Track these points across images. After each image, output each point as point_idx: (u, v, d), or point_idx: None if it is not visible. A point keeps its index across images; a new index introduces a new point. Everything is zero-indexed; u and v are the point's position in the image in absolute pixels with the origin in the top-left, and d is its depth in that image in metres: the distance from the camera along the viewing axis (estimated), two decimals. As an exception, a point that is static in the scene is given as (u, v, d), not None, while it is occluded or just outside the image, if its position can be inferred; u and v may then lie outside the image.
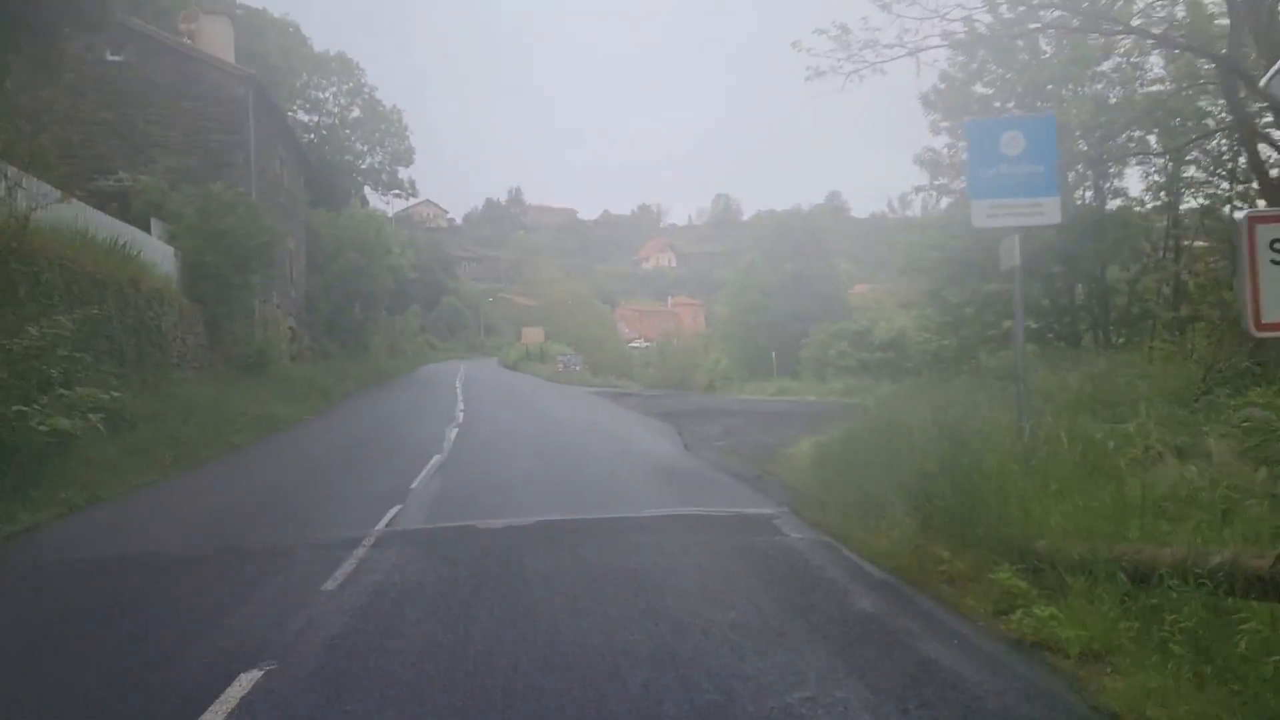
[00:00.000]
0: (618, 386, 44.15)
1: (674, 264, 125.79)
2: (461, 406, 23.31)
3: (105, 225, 18.93)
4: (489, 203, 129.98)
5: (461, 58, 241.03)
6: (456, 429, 17.48)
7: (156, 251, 21.02)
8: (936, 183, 27.98)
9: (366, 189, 61.84)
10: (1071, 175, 25.80)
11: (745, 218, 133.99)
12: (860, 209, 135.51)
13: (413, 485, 10.75)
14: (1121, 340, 24.56)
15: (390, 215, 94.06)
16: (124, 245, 18.33)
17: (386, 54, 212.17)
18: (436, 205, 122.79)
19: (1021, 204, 9.49)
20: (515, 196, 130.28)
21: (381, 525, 8.30)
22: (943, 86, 26.73)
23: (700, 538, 7.55)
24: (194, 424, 16.32)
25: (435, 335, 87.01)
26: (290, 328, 33.09)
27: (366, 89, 59.77)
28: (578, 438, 16.25)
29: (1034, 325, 27.09)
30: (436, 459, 13.37)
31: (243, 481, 11.99)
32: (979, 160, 9.62)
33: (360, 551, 7.18)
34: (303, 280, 35.43)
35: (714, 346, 70.21)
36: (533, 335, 56.06)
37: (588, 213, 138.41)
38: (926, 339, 43.07)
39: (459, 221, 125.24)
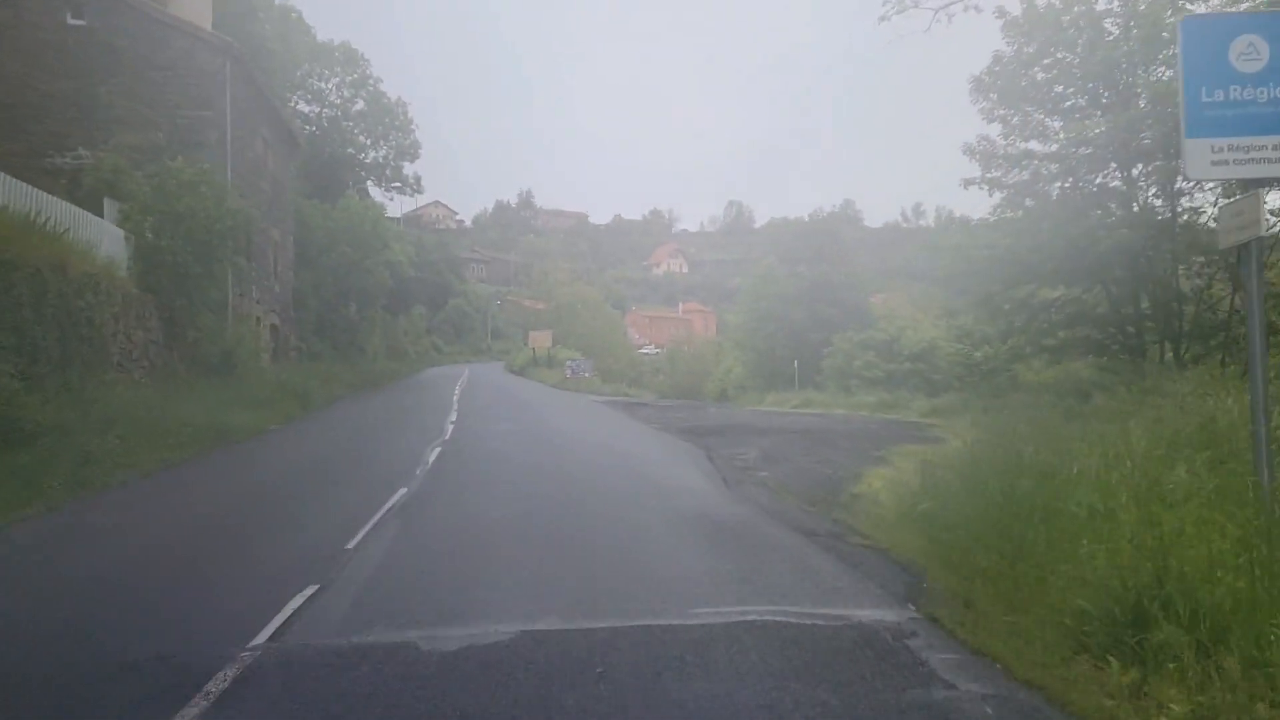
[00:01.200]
0: (629, 395, 40.83)
1: (685, 270, 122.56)
2: (453, 418, 20.00)
3: (37, 202, 15.76)
4: (499, 205, 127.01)
5: (475, 58, 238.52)
6: (439, 448, 14.15)
7: (99, 233, 17.77)
8: (989, 175, 24.60)
9: (370, 184, 58.98)
10: (1137, 170, 22.52)
11: (758, 225, 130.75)
12: (873, 218, 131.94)
13: (350, 544, 7.41)
14: (1188, 354, 21.23)
15: (398, 214, 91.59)
16: (46, 221, 15.08)
17: (397, 52, 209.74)
18: (446, 206, 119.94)
19: (1265, 144, 6.16)
20: (526, 199, 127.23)
21: (261, 638, 4.95)
22: (996, 69, 23.49)
23: (808, 691, 4.19)
24: (116, 436, 13.05)
25: (441, 338, 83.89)
26: (273, 325, 29.83)
27: (371, 81, 56.70)
28: (585, 465, 12.88)
29: (1096, 335, 23.77)
30: (400, 494, 10.04)
31: (111, 533, 8.47)
32: (1198, 78, 6.26)
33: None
34: (290, 275, 32.19)
35: (727, 354, 66.79)
36: (540, 339, 52.69)
37: (599, 217, 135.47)
38: (959, 350, 39.80)
39: (468, 224, 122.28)
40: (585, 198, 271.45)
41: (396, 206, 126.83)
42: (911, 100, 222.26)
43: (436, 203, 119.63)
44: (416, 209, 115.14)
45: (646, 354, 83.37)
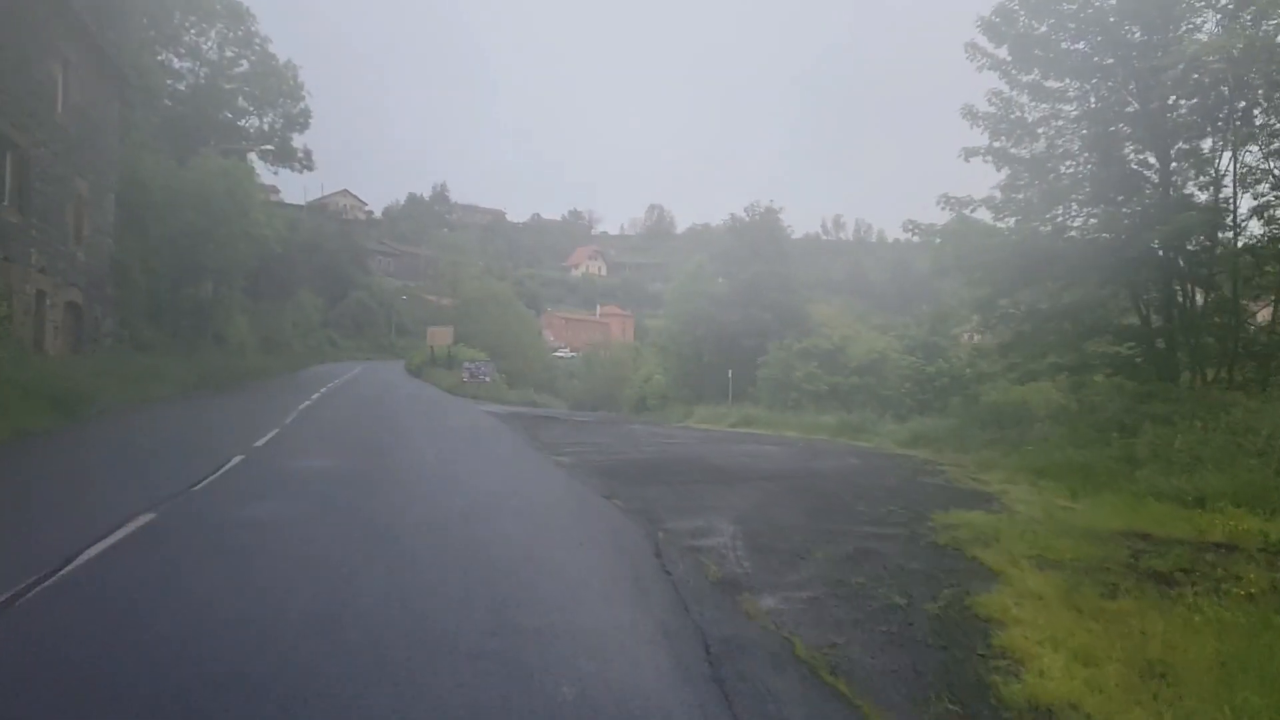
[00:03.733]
0: (536, 403, 34.24)
1: (604, 273, 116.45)
2: (259, 441, 13.19)
3: None
4: (411, 198, 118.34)
5: (394, 44, 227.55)
6: (127, 531, 7.48)
7: None
8: (996, 144, 19.08)
9: (253, 157, 50.88)
10: (1175, 151, 17.34)
11: (679, 230, 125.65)
12: (793, 230, 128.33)
13: None
14: (1241, 376, 16.15)
15: (299, 197, 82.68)
16: None
17: (310, 34, 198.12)
18: (354, 196, 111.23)
19: None
20: (440, 193, 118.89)
21: None
22: (1013, 7, 18.01)
23: None
24: None
25: (340, 332, 75.60)
26: (71, 304, 22.34)
27: (258, 41, 48.73)
28: (393, 615, 5.99)
29: (1121, 349, 18.49)
30: None
31: None
32: None
33: None
34: (106, 242, 24.61)
35: (646, 360, 60.74)
36: (439, 336, 45.54)
37: (517, 215, 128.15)
38: (911, 363, 34.61)
39: (378, 215, 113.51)
40: (503, 195, 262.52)
41: (294, 188, 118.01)
42: (836, 112, 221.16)
43: (345, 191, 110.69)
44: (322, 196, 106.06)
45: (562, 357, 76.87)
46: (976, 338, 40.53)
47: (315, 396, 23.99)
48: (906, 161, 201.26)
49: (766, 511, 9.05)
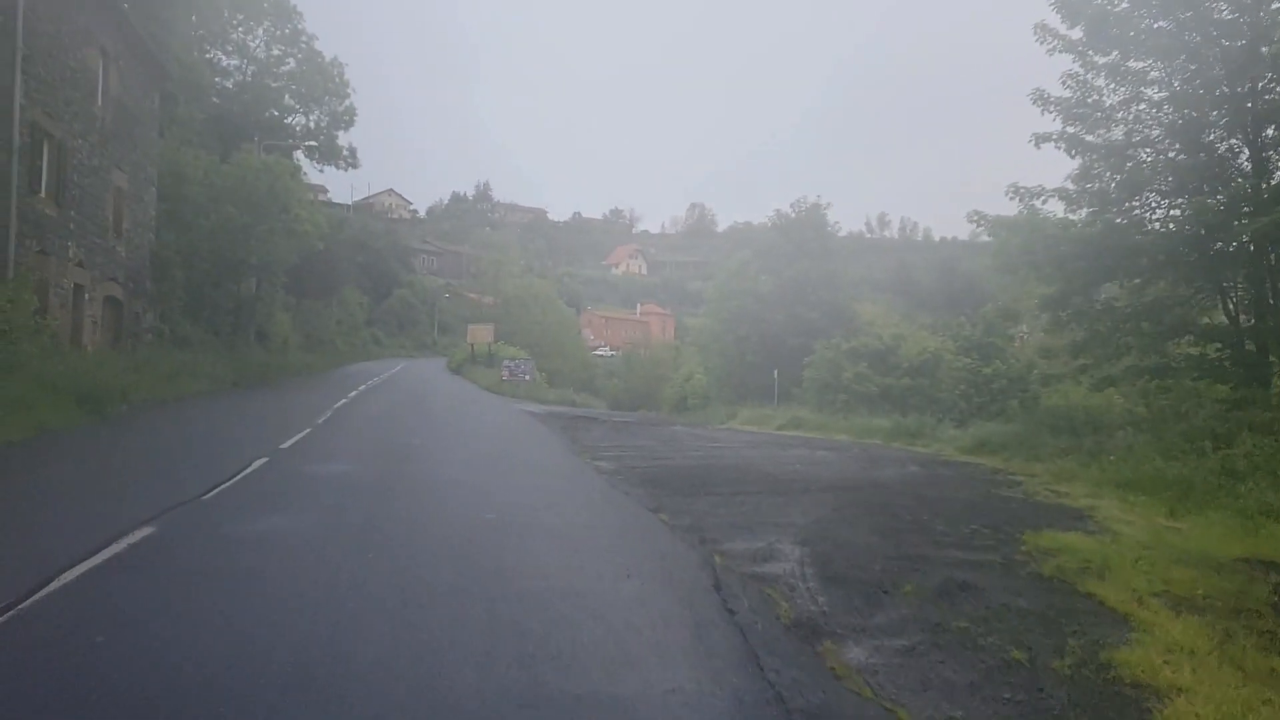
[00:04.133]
0: (577, 403, 33.37)
1: (644, 271, 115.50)
2: (285, 444, 12.44)
3: None
4: (455, 197, 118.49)
5: (439, 47, 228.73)
6: (124, 545, 6.69)
7: None
8: (1069, 130, 17.79)
9: (299, 155, 50.73)
10: (1273, 130, 15.90)
11: (721, 229, 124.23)
12: (838, 227, 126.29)
13: None
14: None
15: (346, 197, 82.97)
16: None
17: (358, 35, 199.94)
18: (399, 196, 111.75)
19: None
20: (483, 192, 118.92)
21: None
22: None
23: None
24: None
25: (384, 330, 75.64)
26: (110, 298, 21.95)
27: (304, 39, 48.55)
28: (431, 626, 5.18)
29: (1206, 351, 17.07)
30: None
31: None
32: None
33: None
34: (147, 237, 24.24)
35: (687, 359, 59.64)
36: (480, 334, 44.88)
37: (558, 214, 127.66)
38: (966, 364, 33.14)
39: (422, 214, 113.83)
40: (544, 194, 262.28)
41: (341, 187, 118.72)
42: (881, 110, 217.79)
43: (390, 191, 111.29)
44: (368, 196, 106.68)
45: (601, 356, 76.07)
46: (1037, 337, 38.88)
47: (353, 394, 23.36)
48: (953, 158, 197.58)
49: (833, 530, 8.01)
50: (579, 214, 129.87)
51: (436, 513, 8.12)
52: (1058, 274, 17.56)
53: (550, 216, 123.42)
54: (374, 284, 76.91)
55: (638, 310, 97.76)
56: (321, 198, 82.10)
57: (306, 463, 10.75)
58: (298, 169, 29.88)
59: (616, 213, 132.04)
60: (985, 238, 18.11)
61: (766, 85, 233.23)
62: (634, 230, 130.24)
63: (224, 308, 28.88)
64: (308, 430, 14.14)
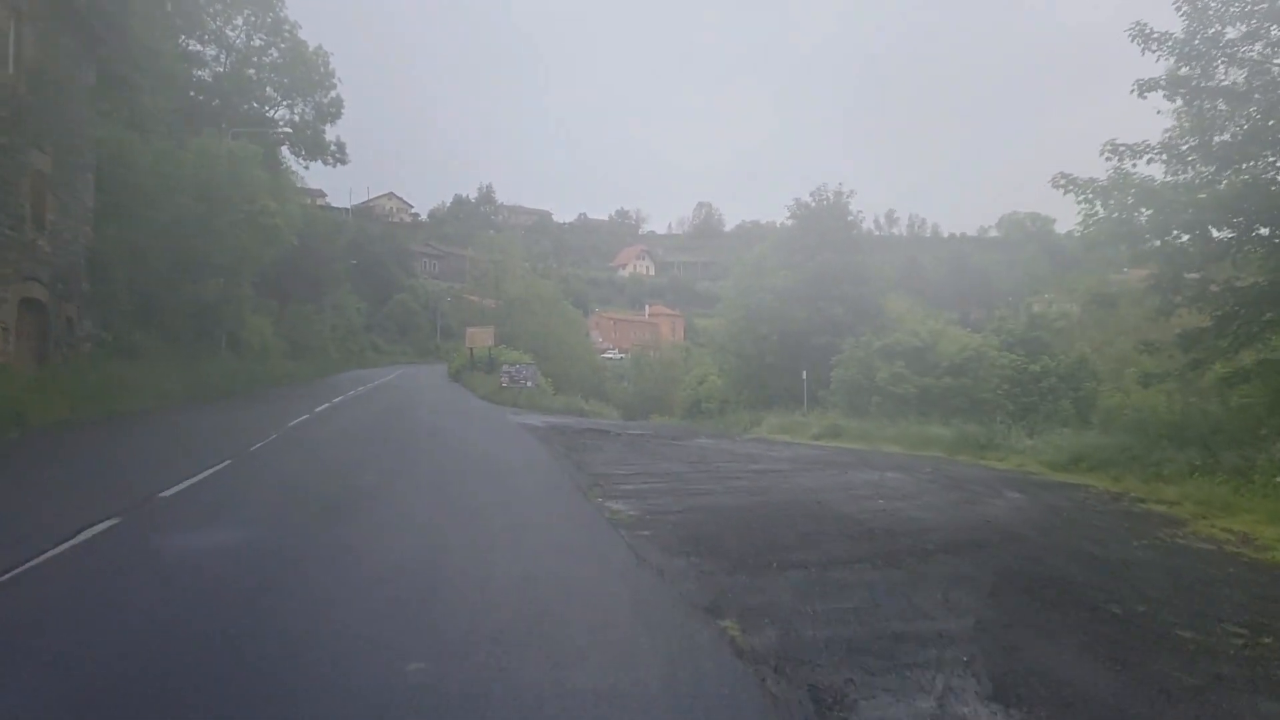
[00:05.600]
0: (585, 412, 29.72)
1: (652, 272, 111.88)
2: (92, 530, 8.81)
3: None
4: (458, 199, 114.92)
5: (443, 47, 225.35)
6: None
7: None
8: (1181, 71, 14.29)
9: (284, 150, 47.31)
10: None
11: (728, 228, 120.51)
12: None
13: None
14: None
15: (345, 201, 79.31)
16: None
17: (358, 36, 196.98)
18: (400, 199, 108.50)
19: None
20: (486, 194, 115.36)
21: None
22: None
23: None
24: None
25: (383, 336, 72.21)
26: (32, 301, 18.43)
27: (288, 27, 45.11)
28: None
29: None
30: None
31: None
32: None
33: None
34: (79, 229, 20.69)
35: (700, 360, 55.93)
36: (479, 337, 41.27)
37: (563, 215, 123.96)
38: (1012, 361, 29.46)
39: (424, 217, 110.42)
40: (549, 195, 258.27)
41: (340, 191, 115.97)
42: (888, 107, 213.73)
43: (390, 194, 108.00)
44: (368, 199, 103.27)
45: (610, 359, 72.43)
46: (1086, 328, 35.09)
47: (320, 409, 19.79)
48: (962, 154, 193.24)
49: (1027, 653, 4.37)
50: (584, 215, 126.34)
51: (323, 666, 4.40)
52: (1170, 248, 13.96)
53: (555, 218, 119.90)
54: (373, 289, 73.46)
55: (646, 311, 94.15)
56: (320, 202, 78.90)
57: (172, 529, 7.13)
58: (261, 153, 26.27)
59: (623, 213, 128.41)
60: (1071, 197, 14.29)
61: (773, 81, 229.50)
62: (640, 231, 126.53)
63: (184, 312, 25.35)
64: (224, 464, 10.54)
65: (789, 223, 39.96)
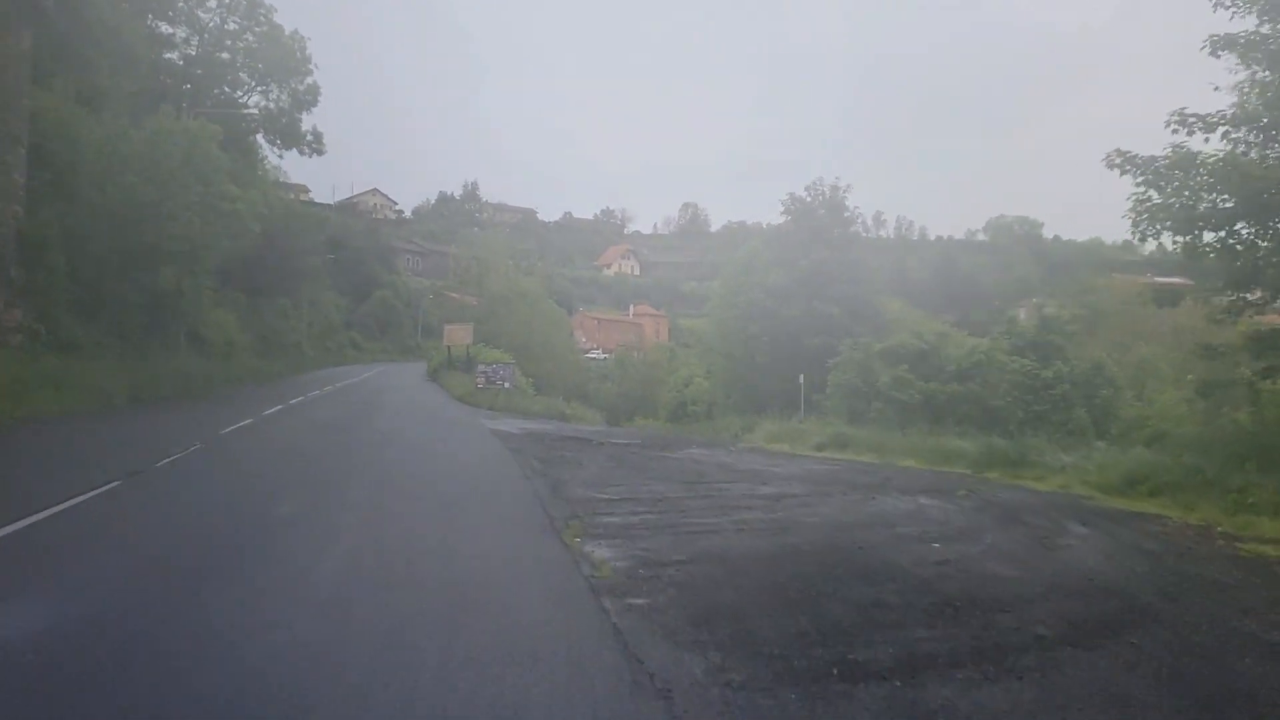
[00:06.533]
0: (566, 416, 27.52)
1: (637, 272, 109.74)
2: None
3: None
4: (442, 196, 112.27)
5: (428, 44, 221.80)
6: None
7: None
8: (1264, 27, 12.34)
9: (259, 139, 44.85)
10: None
11: (714, 229, 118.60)
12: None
13: None
14: None
15: (328, 194, 76.55)
16: None
17: (343, 33, 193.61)
18: (384, 195, 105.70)
19: None
20: (471, 192, 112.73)
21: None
22: None
23: None
24: None
25: (363, 333, 69.61)
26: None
27: (263, 10, 42.55)
28: None
29: None
30: None
31: None
32: None
33: None
34: (6, 207, 18.34)
35: (685, 361, 53.88)
36: (458, 334, 39.04)
37: (548, 214, 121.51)
38: (1022, 366, 27.59)
39: (408, 214, 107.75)
40: (534, 193, 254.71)
41: (323, 187, 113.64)
42: (876, 110, 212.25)
43: (374, 191, 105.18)
44: (352, 196, 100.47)
45: (594, 359, 70.28)
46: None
47: (270, 412, 17.55)
48: (948, 158, 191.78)
49: None
50: (569, 214, 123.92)
51: None
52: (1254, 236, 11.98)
53: (540, 216, 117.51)
54: (354, 285, 70.93)
55: (630, 312, 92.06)
56: (303, 197, 76.23)
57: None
58: (220, 132, 23.90)
59: (608, 213, 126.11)
60: (1130, 176, 12.29)
61: (760, 83, 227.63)
62: (626, 230, 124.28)
63: (134, 303, 22.99)
64: (104, 488, 8.32)
65: (781, 220, 38.04)
